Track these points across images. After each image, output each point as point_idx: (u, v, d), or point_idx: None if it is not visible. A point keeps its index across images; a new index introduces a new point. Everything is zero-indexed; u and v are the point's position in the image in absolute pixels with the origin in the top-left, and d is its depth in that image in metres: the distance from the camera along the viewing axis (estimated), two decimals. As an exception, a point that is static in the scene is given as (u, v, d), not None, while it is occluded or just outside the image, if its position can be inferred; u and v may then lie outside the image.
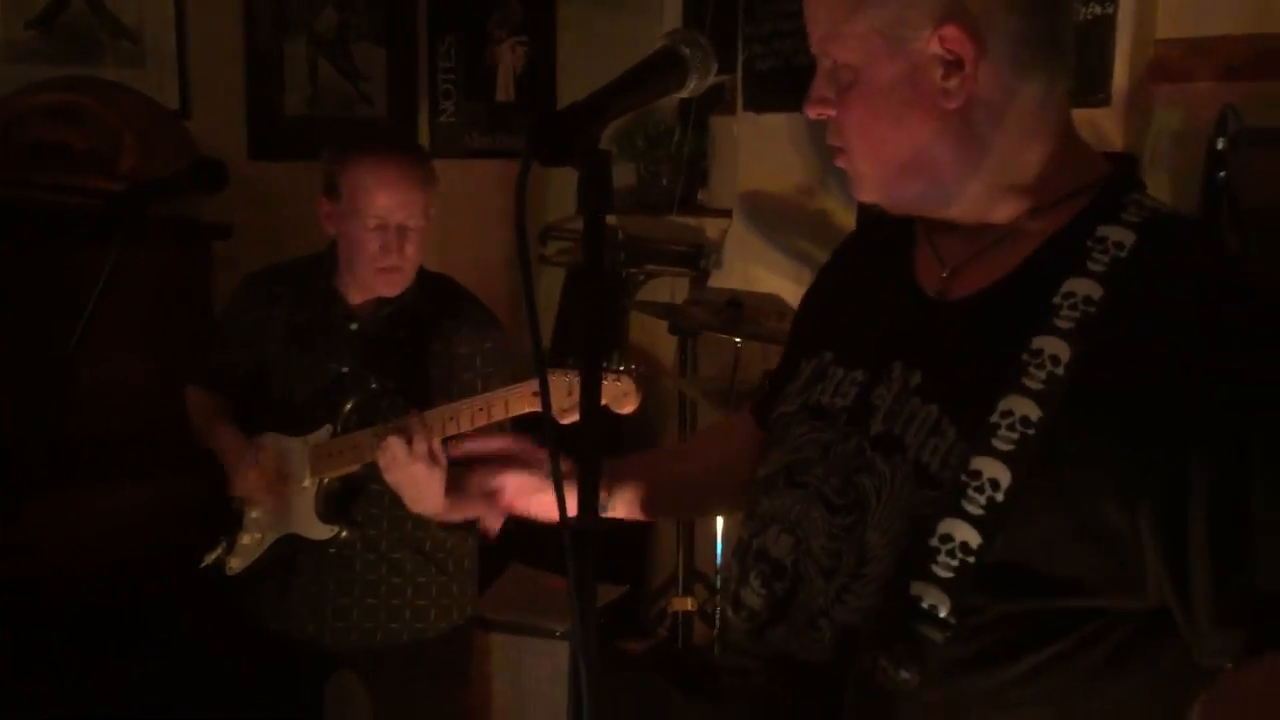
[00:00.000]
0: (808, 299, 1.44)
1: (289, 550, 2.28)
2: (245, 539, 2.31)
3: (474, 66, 3.95)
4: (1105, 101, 3.12)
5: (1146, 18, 3.12)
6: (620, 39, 4.26)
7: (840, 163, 1.20)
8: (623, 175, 4.37)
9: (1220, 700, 1.03)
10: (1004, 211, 1.16)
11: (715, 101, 4.00)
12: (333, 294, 2.32)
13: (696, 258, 4.04)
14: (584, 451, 0.97)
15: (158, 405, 2.73)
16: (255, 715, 2.41)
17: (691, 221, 4.14)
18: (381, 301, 2.29)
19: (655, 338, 4.15)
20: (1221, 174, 2.08)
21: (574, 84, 4.25)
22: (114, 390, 2.69)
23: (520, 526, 3.51)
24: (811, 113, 1.18)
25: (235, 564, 2.31)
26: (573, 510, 0.97)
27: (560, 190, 4.34)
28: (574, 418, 1.97)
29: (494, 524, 1.49)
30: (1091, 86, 3.13)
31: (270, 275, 2.40)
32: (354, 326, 2.29)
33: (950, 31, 1.08)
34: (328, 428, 2.22)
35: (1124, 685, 1.09)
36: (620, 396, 1.90)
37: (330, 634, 2.32)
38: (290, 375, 2.29)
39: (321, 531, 2.25)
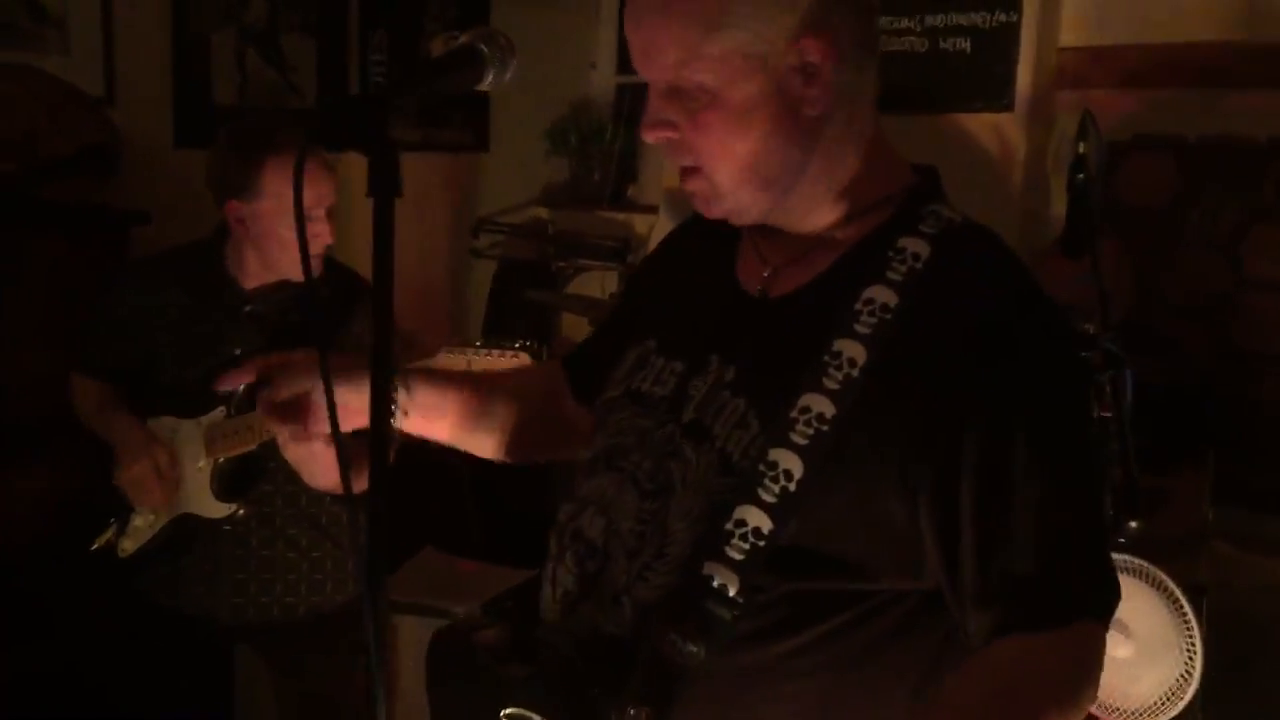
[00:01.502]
0: (633, 284, 1.48)
1: (183, 530, 2.32)
2: (138, 521, 2.35)
3: (406, 59, 4.00)
4: (1009, 107, 3.22)
5: (1049, 26, 3.22)
6: (554, 36, 4.31)
7: (690, 185, 1.20)
8: (556, 170, 4.43)
9: (960, 679, 1.11)
10: (823, 217, 1.21)
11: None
12: (224, 277, 2.36)
13: (625, 252, 4.10)
14: (375, 436, 1.02)
15: (62, 396, 2.76)
16: (159, 696, 2.46)
17: (620, 217, 4.21)
18: (277, 285, 2.34)
19: (585, 330, 4.21)
20: (1080, 176, 2.16)
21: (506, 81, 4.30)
22: (23, 378, 2.71)
23: (435, 513, 3.53)
24: (651, 137, 1.18)
25: (128, 545, 2.35)
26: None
27: (493, 184, 4.39)
28: None
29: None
30: (996, 92, 3.23)
31: (154, 263, 2.44)
32: (248, 309, 2.34)
33: (809, 43, 1.11)
34: (221, 409, 2.27)
35: (899, 659, 1.17)
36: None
37: (227, 610, 2.37)
38: (182, 359, 2.33)
39: (218, 510, 2.30)
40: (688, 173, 1.20)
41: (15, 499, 2.70)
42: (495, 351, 2.03)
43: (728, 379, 1.21)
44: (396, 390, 1.35)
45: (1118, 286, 2.70)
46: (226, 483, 2.31)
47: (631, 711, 1.12)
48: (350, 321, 2.36)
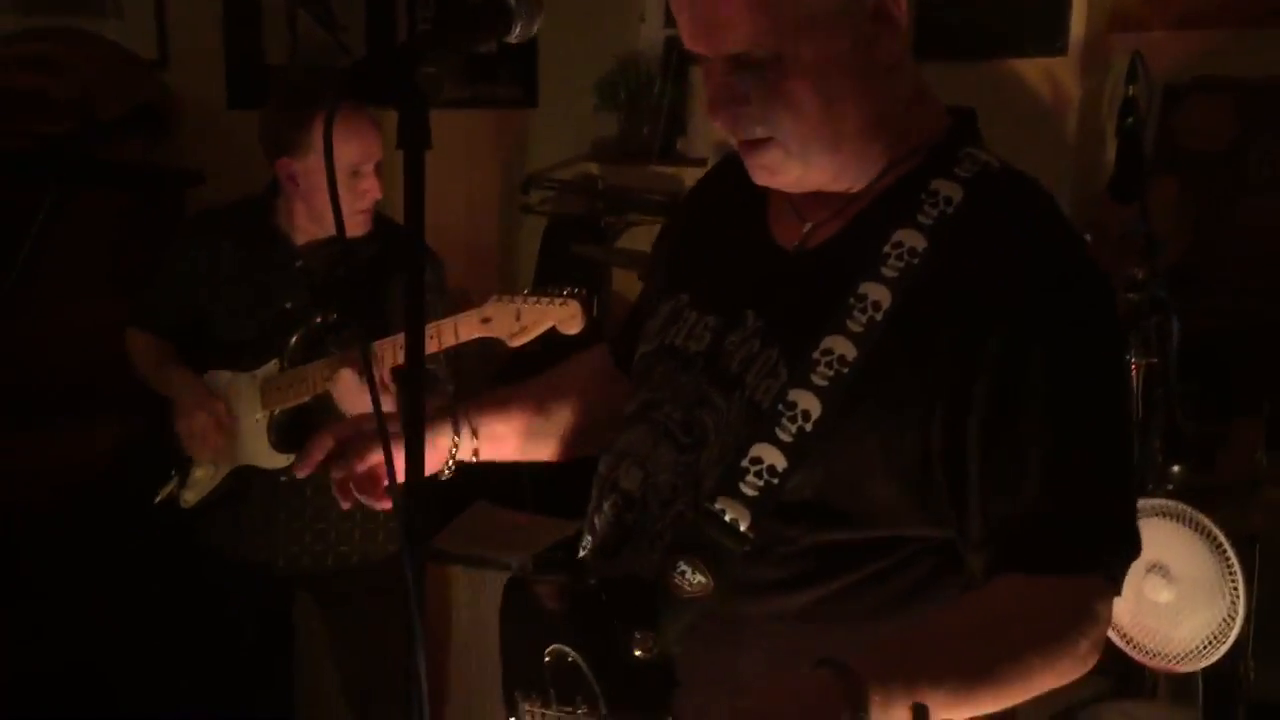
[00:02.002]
0: (663, 239, 1.46)
1: (241, 481, 2.39)
2: (198, 473, 2.41)
3: (459, 7, 4.00)
4: (1062, 51, 3.17)
5: (1103, -32, 3.15)
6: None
7: (759, 158, 1.16)
8: (605, 125, 4.43)
9: (948, 607, 1.12)
10: (865, 169, 1.18)
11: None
12: (276, 233, 2.40)
13: (674, 206, 4.10)
14: (409, 406, 1.04)
15: (121, 351, 2.84)
16: (221, 642, 2.54)
17: (670, 170, 4.20)
18: (327, 240, 2.37)
19: (635, 285, 4.22)
20: (1130, 119, 2.12)
21: (553, 33, 4.29)
22: (82, 333, 2.77)
23: (487, 468, 3.60)
24: (724, 116, 1.14)
25: (190, 497, 2.41)
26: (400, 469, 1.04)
27: (543, 140, 4.39)
28: (523, 341, 2.09)
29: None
30: (1049, 37, 3.17)
31: (210, 218, 2.49)
32: (299, 264, 2.38)
33: None
34: (275, 362, 2.32)
35: (925, 610, 1.16)
36: (568, 319, 1.98)
37: (284, 559, 2.43)
38: (235, 313, 2.38)
39: (277, 461, 2.35)
40: (755, 145, 1.16)
41: (77, 450, 2.77)
42: (545, 299, 2.03)
43: (760, 330, 1.21)
44: (461, 435, 1.37)
45: (1178, 226, 2.66)
46: (283, 434, 2.36)
47: (638, 635, 1.14)
48: (393, 273, 2.39)
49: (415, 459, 1.04)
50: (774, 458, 1.13)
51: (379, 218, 2.40)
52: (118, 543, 2.74)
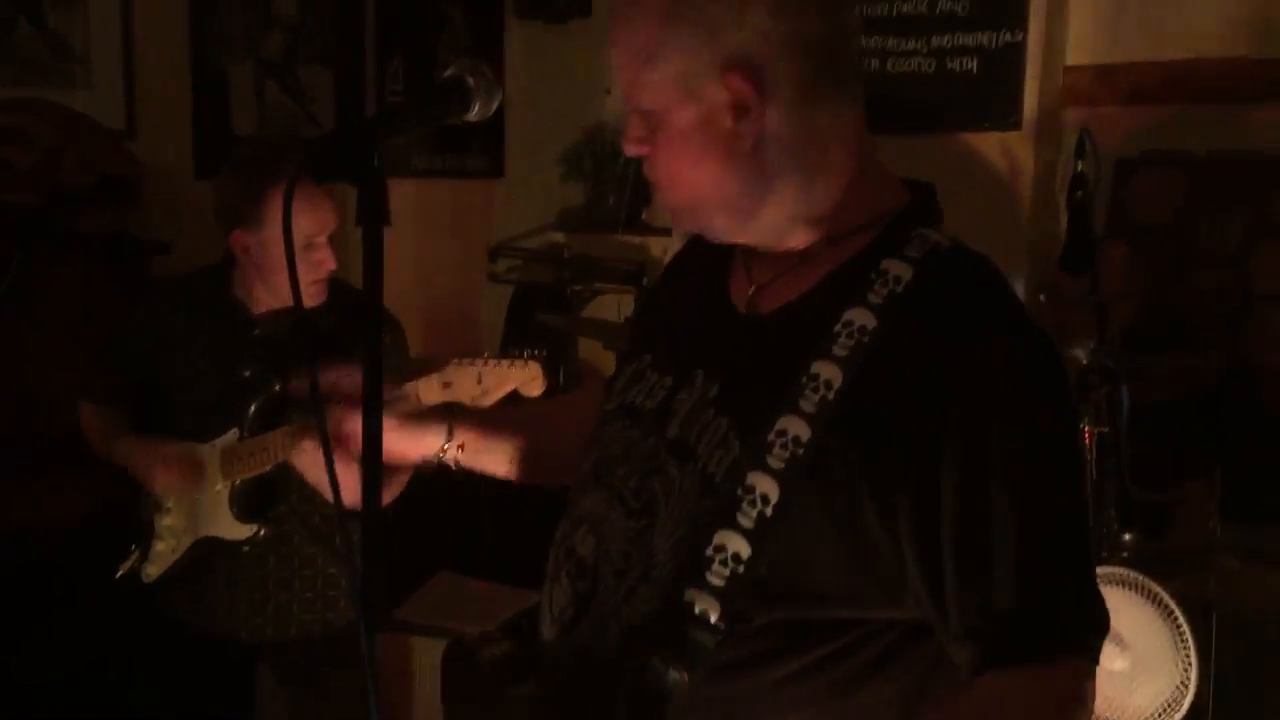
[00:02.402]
0: (641, 305, 1.52)
1: (204, 552, 2.38)
2: (160, 546, 2.40)
3: (422, 86, 4.06)
4: (1017, 126, 3.23)
5: (1055, 45, 3.23)
6: (568, 62, 4.37)
7: (660, 201, 1.26)
8: (572, 195, 4.47)
9: (942, 716, 1.12)
10: (800, 238, 1.23)
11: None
12: (233, 303, 2.43)
13: (640, 275, 4.13)
14: (367, 446, 1.05)
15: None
16: (181, 715, 2.50)
17: (635, 240, 4.24)
18: (285, 309, 2.40)
19: (603, 353, 4.24)
20: (1079, 193, 2.18)
21: (520, 107, 4.36)
22: (49, 399, 2.77)
23: (452, 535, 3.58)
24: (629, 151, 1.23)
25: (152, 570, 2.41)
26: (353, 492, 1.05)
27: (510, 209, 4.43)
28: (486, 404, 2.11)
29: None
30: (1003, 112, 3.24)
31: (166, 287, 2.52)
32: (256, 333, 2.40)
33: (733, 80, 1.14)
34: (234, 431, 2.32)
35: (886, 688, 1.17)
36: (529, 381, 2.00)
37: (247, 630, 2.43)
38: (192, 383, 2.40)
39: (240, 531, 2.35)
40: (657, 190, 1.24)
41: (43, 516, 2.76)
42: (505, 362, 2.06)
43: (711, 396, 1.23)
44: (452, 435, 1.45)
45: (1129, 290, 2.70)
46: (245, 504, 2.35)
47: None
48: (353, 340, 2.39)
49: (372, 532, 1.04)
50: (738, 545, 1.13)
51: (336, 284, 2.42)
52: (80, 613, 2.71)
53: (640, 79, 1.18)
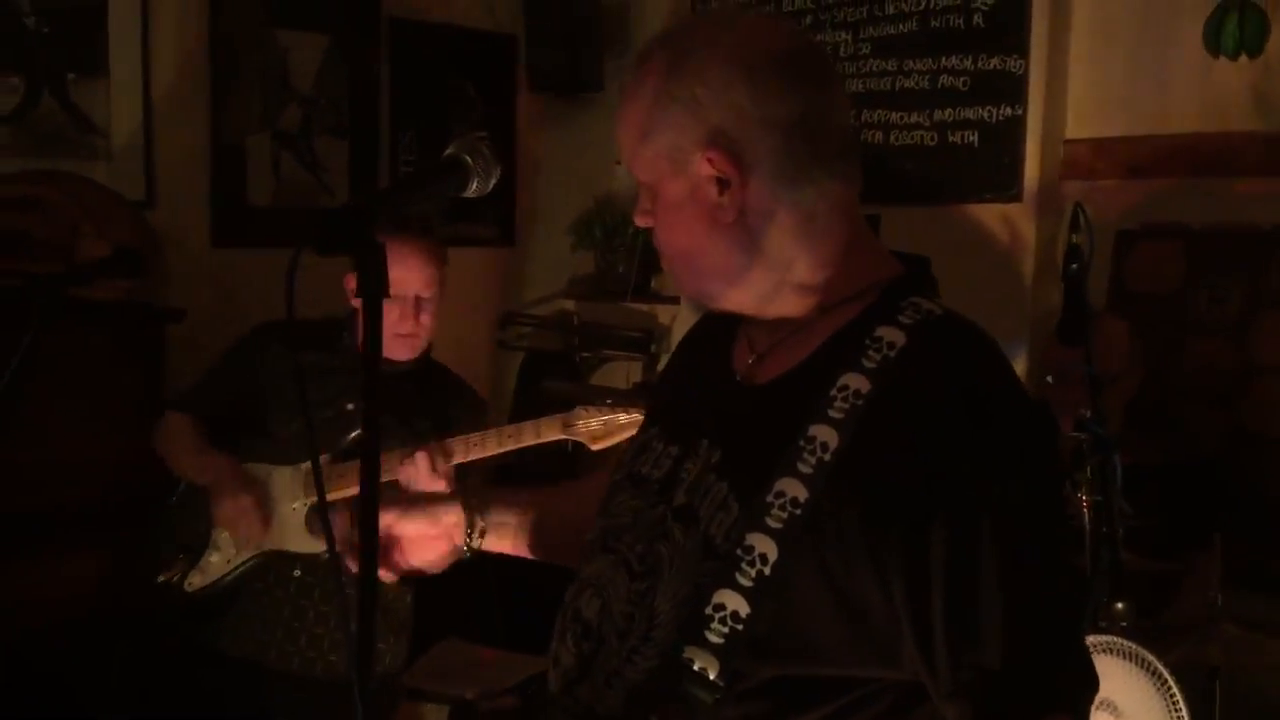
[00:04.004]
0: (658, 379, 1.57)
1: (257, 569, 2.45)
2: (214, 557, 2.47)
3: (436, 158, 4.14)
4: (1017, 198, 3.29)
5: (1055, 119, 3.30)
6: (579, 133, 4.46)
7: (667, 269, 1.33)
8: (582, 264, 4.54)
9: None
10: (792, 305, 1.27)
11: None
12: (347, 345, 2.56)
13: (648, 342, 4.19)
14: (363, 510, 1.08)
15: (105, 482, 2.87)
16: None
17: (644, 308, 4.29)
18: (393, 364, 2.51)
19: (609, 420, 4.27)
20: (1074, 265, 2.22)
21: (533, 178, 4.44)
22: (65, 466, 2.81)
23: (459, 602, 3.59)
24: (639, 222, 1.30)
25: (197, 581, 2.47)
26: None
27: (521, 277, 4.50)
28: (600, 446, 2.21)
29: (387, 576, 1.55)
30: (1004, 184, 3.30)
31: (285, 325, 2.59)
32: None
33: (714, 155, 1.20)
34: (325, 455, 2.39)
35: None
36: (598, 432, 2.12)
37: (275, 654, 2.46)
38: (292, 409, 2.49)
39: (312, 546, 2.44)
40: (661, 257, 1.31)
41: (59, 583, 2.79)
42: (620, 412, 2.23)
43: (714, 462, 1.25)
44: (474, 521, 1.52)
45: (1129, 366, 2.73)
46: (317, 523, 2.42)
47: None
48: (450, 412, 2.53)
49: (369, 597, 1.07)
50: (736, 603, 1.15)
51: (432, 364, 2.60)
52: (97, 675, 2.74)
53: (638, 154, 1.26)
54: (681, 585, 1.20)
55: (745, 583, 1.15)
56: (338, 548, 1.48)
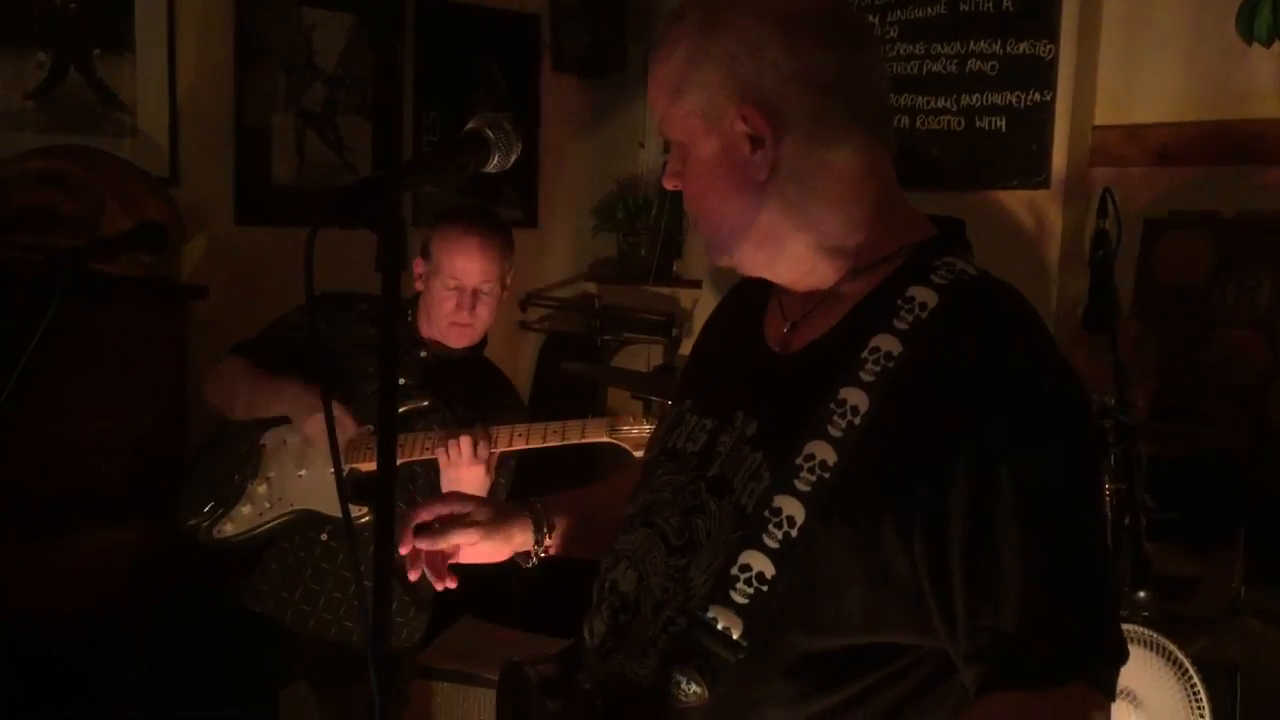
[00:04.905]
0: (690, 354, 1.54)
1: (287, 527, 2.49)
2: (246, 509, 2.51)
3: (445, 140, 4.14)
4: (1045, 184, 3.26)
5: (1083, 105, 3.26)
6: (603, 115, 4.45)
7: (696, 230, 1.32)
8: (604, 246, 4.53)
9: None
10: (827, 271, 1.26)
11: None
12: (409, 326, 2.59)
13: (670, 326, 4.18)
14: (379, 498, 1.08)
15: (127, 459, 2.88)
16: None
17: (666, 291, 4.29)
18: (447, 349, 2.57)
19: (631, 402, 4.27)
20: (1100, 252, 2.20)
21: (555, 158, 4.43)
22: (87, 443, 2.82)
23: (475, 581, 3.59)
24: (668, 185, 1.30)
25: (229, 529, 2.51)
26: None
27: (542, 259, 4.49)
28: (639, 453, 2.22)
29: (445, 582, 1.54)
30: (1031, 170, 3.27)
31: (352, 296, 2.63)
32: (422, 354, 2.57)
33: (748, 112, 1.20)
34: (369, 428, 2.41)
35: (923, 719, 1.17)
36: (641, 439, 2.20)
37: (292, 614, 2.50)
38: (345, 376, 2.50)
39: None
40: (693, 224, 1.31)
41: (80, 561, 2.80)
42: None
43: (749, 434, 1.25)
44: (541, 529, 1.53)
45: (1141, 370, 2.71)
46: (355, 489, 2.44)
47: None
48: (495, 408, 2.55)
49: (384, 565, 1.07)
50: (762, 564, 1.15)
51: (482, 361, 2.65)
52: (117, 656, 2.76)
53: (670, 113, 1.26)
54: (716, 557, 1.20)
55: (772, 544, 1.15)
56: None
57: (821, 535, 1.14)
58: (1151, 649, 1.85)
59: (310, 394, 2.45)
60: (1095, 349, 2.48)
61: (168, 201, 3.15)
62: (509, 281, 2.58)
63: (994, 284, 1.22)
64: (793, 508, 1.15)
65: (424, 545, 1.42)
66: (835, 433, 1.15)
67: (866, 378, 1.16)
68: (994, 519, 1.08)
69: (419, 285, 2.58)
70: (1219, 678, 1.96)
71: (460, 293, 2.49)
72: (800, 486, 1.15)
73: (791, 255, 1.26)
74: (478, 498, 1.57)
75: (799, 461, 1.16)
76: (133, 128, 3.35)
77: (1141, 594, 1.87)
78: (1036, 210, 3.25)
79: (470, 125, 1.22)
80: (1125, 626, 1.90)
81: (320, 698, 2.61)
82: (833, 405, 1.16)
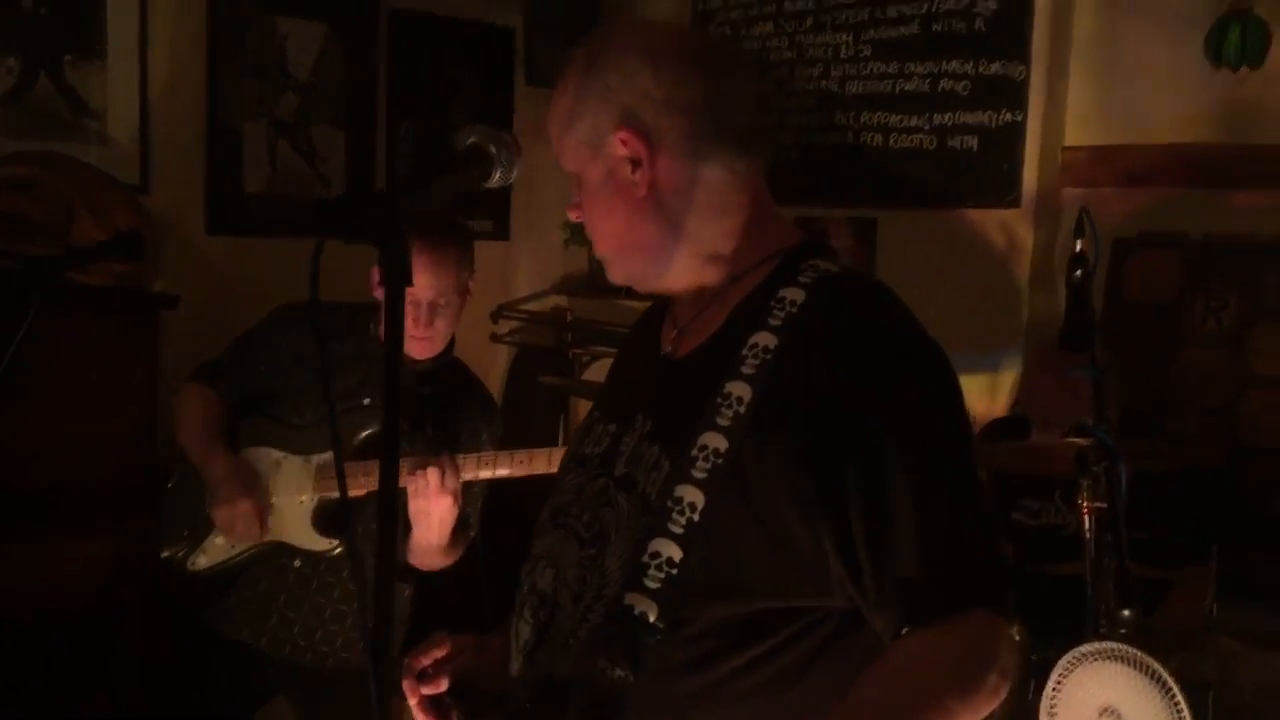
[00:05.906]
0: (606, 374, 1.64)
1: (258, 557, 2.45)
2: (217, 540, 2.46)
3: (432, 150, 4.12)
4: (1015, 203, 3.29)
5: (1054, 126, 3.31)
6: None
7: (595, 253, 1.42)
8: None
9: (864, 678, 1.21)
10: (709, 278, 1.38)
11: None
12: (375, 339, 2.50)
13: (641, 340, 4.18)
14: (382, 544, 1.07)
15: (103, 466, 2.86)
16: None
17: (636, 305, 4.27)
18: (413, 361, 2.49)
19: (600, 416, 4.27)
20: (1078, 272, 2.23)
21: (528, 171, 4.41)
22: (57, 451, 2.79)
23: (449, 593, 3.57)
24: (572, 216, 1.41)
25: (202, 561, 2.47)
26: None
27: (512, 272, 4.49)
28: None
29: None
30: (1002, 189, 3.31)
31: (313, 307, 2.54)
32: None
33: (626, 135, 1.32)
34: (326, 457, 2.40)
35: (826, 678, 1.27)
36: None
37: (269, 641, 2.47)
38: (308, 398, 2.45)
39: (317, 543, 2.43)
40: (593, 247, 1.42)
41: (61, 567, 2.78)
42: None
43: (647, 431, 1.37)
44: None
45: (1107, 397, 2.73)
46: (324, 520, 2.42)
47: None
48: (463, 414, 2.52)
49: (386, 596, 1.06)
50: (670, 550, 1.26)
51: (452, 364, 2.57)
52: (105, 656, 2.73)
53: (564, 144, 1.38)
54: (627, 544, 1.30)
55: (677, 530, 1.26)
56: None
57: (722, 516, 1.25)
58: (1134, 666, 1.87)
59: (232, 481, 2.41)
60: (1064, 369, 2.51)
61: (138, 209, 3.12)
62: (471, 286, 2.52)
63: (853, 277, 1.38)
64: (693, 495, 1.26)
65: (429, 690, 1.48)
66: (724, 422, 1.27)
67: (748, 371, 1.29)
68: (886, 487, 1.22)
69: (377, 295, 2.50)
70: (1193, 695, 1.98)
71: (416, 307, 2.42)
72: (698, 474, 1.26)
73: (677, 266, 1.37)
74: (458, 639, 1.54)
75: (694, 453, 1.27)
76: (103, 135, 3.31)
77: (1126, 613, 1.89)
78: (1007, 229, 3.28)
79: (471, 140, 1.23)
80: (1108, 643, 1.92)
81: (299, 716, 2.59)
82: (719, 399, 1.28)
